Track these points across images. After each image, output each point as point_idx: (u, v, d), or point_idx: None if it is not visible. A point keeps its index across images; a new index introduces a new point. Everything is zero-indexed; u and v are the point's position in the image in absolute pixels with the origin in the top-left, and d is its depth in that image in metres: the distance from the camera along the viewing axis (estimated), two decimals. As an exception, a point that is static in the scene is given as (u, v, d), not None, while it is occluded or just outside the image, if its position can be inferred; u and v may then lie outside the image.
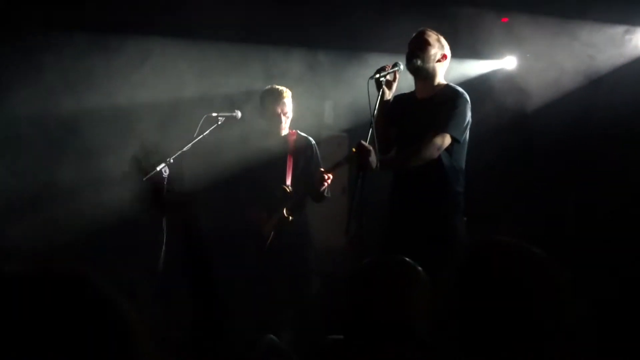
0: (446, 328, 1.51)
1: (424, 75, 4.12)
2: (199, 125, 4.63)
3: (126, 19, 5.47)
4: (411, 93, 4.28)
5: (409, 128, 4.14)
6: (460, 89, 4.14)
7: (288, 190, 4.74)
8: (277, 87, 4.89)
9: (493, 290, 1.45)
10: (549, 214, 5.60)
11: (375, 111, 3.93)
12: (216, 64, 5.78)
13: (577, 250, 4.82)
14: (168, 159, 4.47)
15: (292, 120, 4.91)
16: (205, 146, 4.65)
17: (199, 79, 5.84)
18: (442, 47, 4.14)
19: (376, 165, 3.83)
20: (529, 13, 5.55)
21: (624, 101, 5.19)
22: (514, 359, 1.42)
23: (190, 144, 4.56)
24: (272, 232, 4.70)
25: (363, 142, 3.80)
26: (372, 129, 3.83)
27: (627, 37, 5.36)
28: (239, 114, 4.81)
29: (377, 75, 4.02)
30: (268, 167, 4.76)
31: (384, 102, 4.09)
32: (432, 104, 4.08)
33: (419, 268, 2.17)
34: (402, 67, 4.10)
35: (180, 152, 4.52)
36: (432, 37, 4.12)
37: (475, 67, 5.87)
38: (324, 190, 4.51)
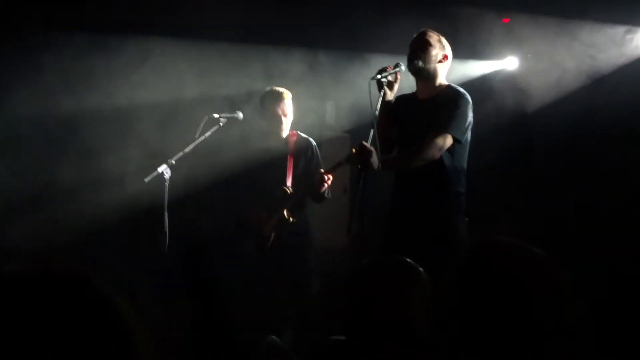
0: (446, 328, 1.51)
1: (425, 76, 4.12)
2: (200, 126, 4.63)
3: (126, 19, 5.46)
4: (412, 94, 4.28)
5: (411, 129, 4.14)
6: (461, 89, 4.14)
7: (288, 191, 4.74)
8: (277, 88, 4.89)
9: (493, 290, 1.44)
10: (549, 214, 5.60)
11: (377, 112, 3.93)
12: (216, 64, 5.78)
13: (577, 250, 4.82)
14: (169, 160, 4.47)
15: (293, 121, 4.91)
16: (205, 146, 4.66)
17: (199, 79, 5.84)
18: (443, 47, 4.13)
19: (378, 166, 3.83)
20: (530, 13, 5.55)
21: (625, 101, 5.20)
22: (514, 359, 1.41)
23: (192, 145, 4.56)
24: (273, 233, 4.70)
25: (364, 142, 3.80)
26: (374, 130, 3.83)
27: (628, 37, 5.36)
28: (240, 115, 4.81)
29: (379, 76, 4.02)
30: (268, 167, 4.76)
31: (385, 103, 4.08)
32: (434, 105, 4.07)
33: (420, 268, 2.17)
34: (403, 67, 4.09)
35: (182, 153, 4.52)
36: (433, 37, 4.11)
37: (476, 68, 5.87)
38: (324, 191, 4.51)
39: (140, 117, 5.70)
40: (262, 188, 4.75)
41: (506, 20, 5.82)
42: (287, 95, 4.84)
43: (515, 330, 1.41)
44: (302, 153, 4.89)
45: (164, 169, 4.43)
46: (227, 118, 4.73)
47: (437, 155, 3.96)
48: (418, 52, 4.07)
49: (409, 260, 2.20)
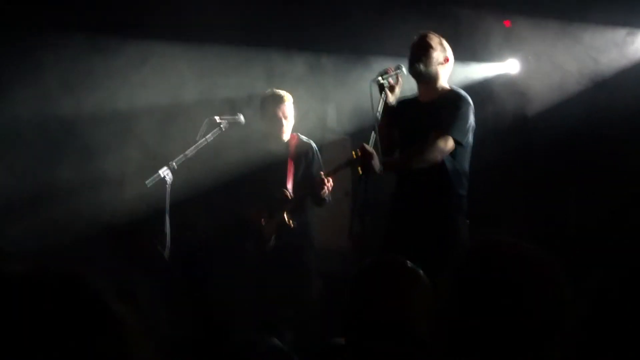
0: (446, 328, 1.51)
1: (426, 78, 4.11)
2: (202, 128, 4.62)
3: (126, 20, 5.46)
4: (414, 96, 4.27)
5: (412, 132, 4.13)
6: (462, 92, 4.13)
7: (288, 194, 4.73)
8: (277, 91, 4.88)
9: (492, 290, 1.44)
10: (549, 215, 5.60)
11: (379, 114, 3.92)
12: (217, 66, 5.78)
13: (578, 250, 4.82)
14: (171, 163, 4.45)
15: (295, 124, 4.90)
16: (205, 149, 4.65)
17: (199, 80, 5.83)
18: (444, 50, 4.13)
19: (379, 169, 3.82)
20: (531, 16, 5.55)
21: (626, 103, 5.20)
22: (513, 359, 1.41)
23: (194, 148, 4.53)
24: (273, 236, 4.69)
25: (366, 145, 3.79)
26: (375, 132, 3.83)
27: (629, 39, 5.36)
28: (242, 118, 4.78)
29: (379, 78, 4.01)
30: (268, 170, 4.76)
31: (387, 106, 4.06)
32: (435, 108, 4.07)
33: (419, 270, 2.17)
34: (404, 69, 4.08)
35: (184, 156, 4.50)
36: (434, 40, 4.11)
37: (477, 70, 5.86)
38: (325, 194, 4.50)
39: (139, 118, 5.69)
40: (262, 191, 4.75)
41: (507, 23, 5.82)
42: (288, 97, 4.83)
43: (514, 330, 1.41)
44: (302, 156, 4.88)
45: (165, 172, 4.41)
46: (228, 121, 4.71)
47: (439, 158, 3.95)
48: (419, 54, 4.07)
49: (408, 261, 2.20)
